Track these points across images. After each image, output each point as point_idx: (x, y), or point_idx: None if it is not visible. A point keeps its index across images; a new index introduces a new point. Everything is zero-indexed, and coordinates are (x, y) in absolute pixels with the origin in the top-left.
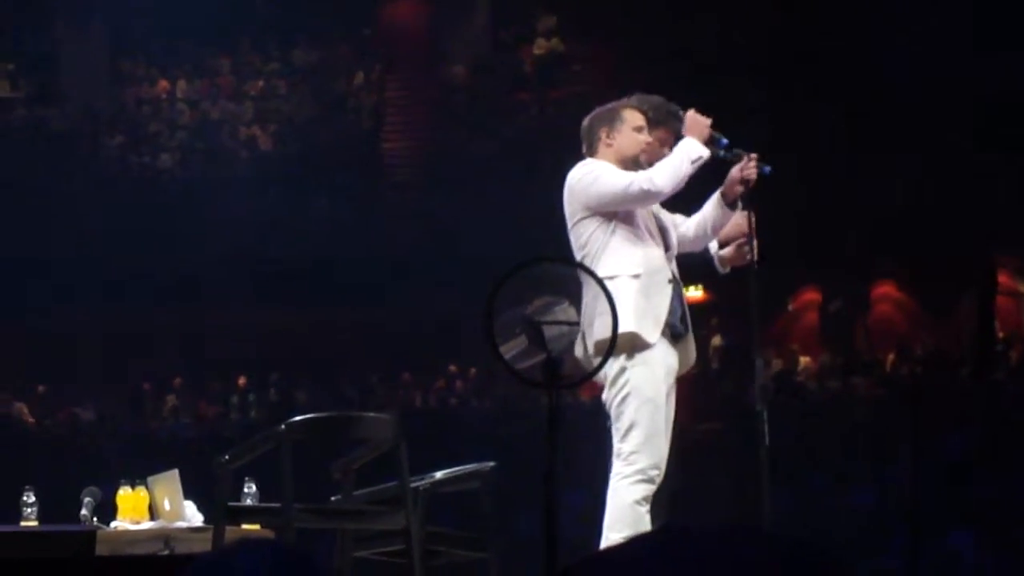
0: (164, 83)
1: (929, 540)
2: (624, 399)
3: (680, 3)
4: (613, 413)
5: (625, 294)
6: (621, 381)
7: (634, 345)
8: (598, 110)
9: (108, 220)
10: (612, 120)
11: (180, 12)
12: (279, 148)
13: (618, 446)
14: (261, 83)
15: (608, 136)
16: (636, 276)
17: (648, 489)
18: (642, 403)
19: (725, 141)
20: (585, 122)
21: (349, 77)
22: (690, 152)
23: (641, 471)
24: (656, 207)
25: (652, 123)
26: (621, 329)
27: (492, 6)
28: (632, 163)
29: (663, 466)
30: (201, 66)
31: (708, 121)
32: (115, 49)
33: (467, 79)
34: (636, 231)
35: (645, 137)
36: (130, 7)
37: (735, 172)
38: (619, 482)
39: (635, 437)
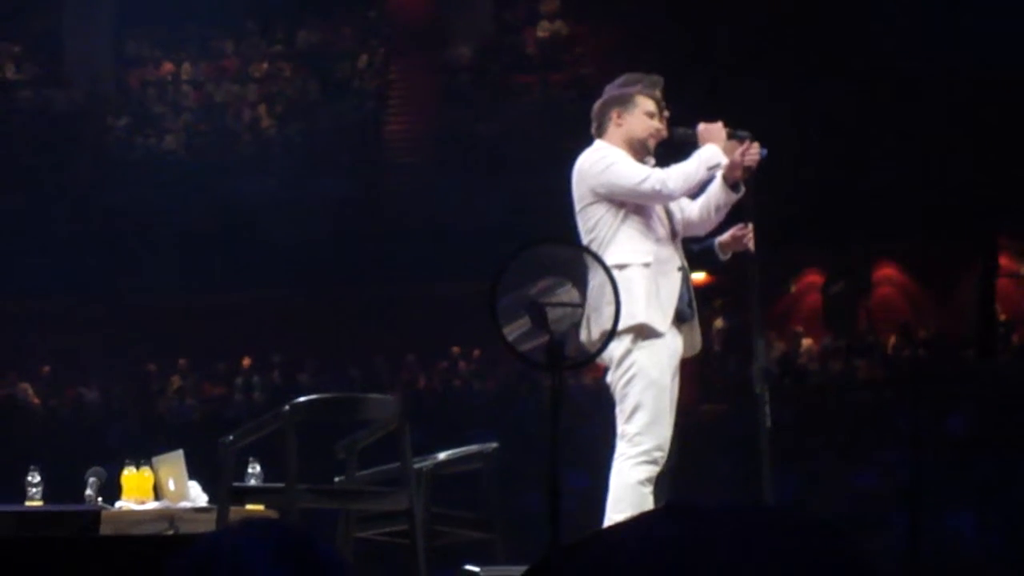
0: (169, 65)
1: (930, 521)
2: (630, 380)
3: None
4: (618, 394)
5: (636, 283)
6: (627, 363)
7: (642, 333)
8: (612, 91)
9: (113, 201)
10: (625, 102)
11: None
12: (283, 130)
13: (622, 427)
14: (265, 65)
15: (619, 117)
16: (647, 265)
17: (652, 470)
18: (647, 385)
19: (744, 134)
20: (597, 102)
21: (353, 59)
22: (709, 159)
23: (646, 452)
24: None
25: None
26: (632, 321)
27: None
28: (640, 146)
29: (667, 448)
30: (206, 48)
31: (720, 125)
32: (120, 31)
33: (471, 61)
34: (647, 219)
35: (656, 123)
36: None
37: (736, 156)
38: (623, 463)
39: (640, 418)
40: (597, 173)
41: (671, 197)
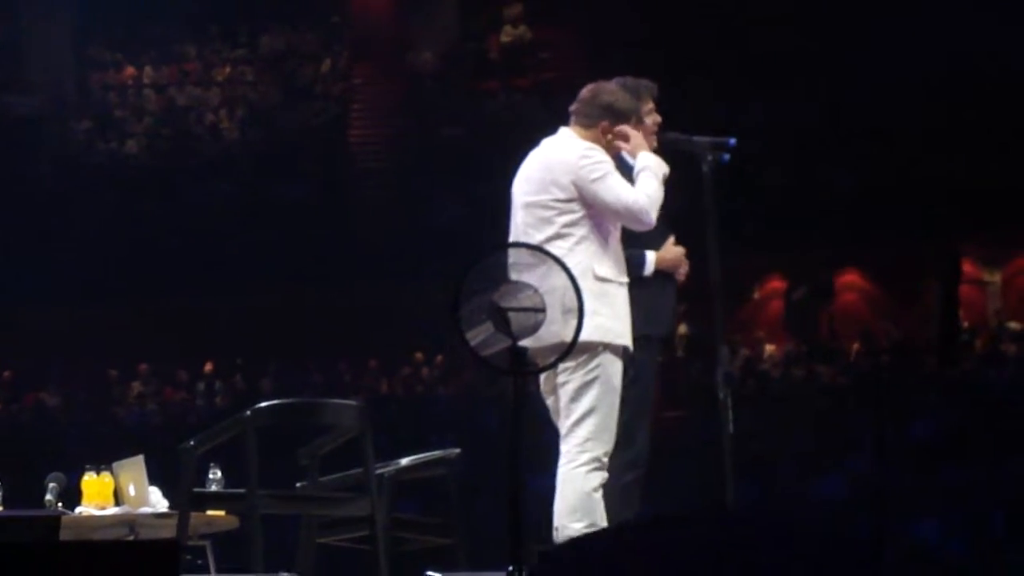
0: (130, 69)
1: (895, 528)
2: (590, 383)
3: None
4: (570, 394)
5: (620, 303)
6: (591, 365)
7: (615, 348)
8: (628, 96)
9: (75, 205)
10: (633, 120)
11: None
12: (245, 134)
13: (571, 429)
14: (228, 69)
15: (625, 135)
16: (623, 284)
17: (603, 477)
18: (607, 391)
19: (733, 142)
20: (617, 96)
21: (316, 64)
22: (662, 171)
23: (596, 459)
24: None
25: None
26: (619, 340)
27: None
28: (618, 162)
29: (611, 454)
30: (168, 52)
31: (637, 132)
32: (81, 35)
33: (434, 66)
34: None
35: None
36: None
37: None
38: (575, 470)
39: (591, 423)
40: (589, 180)
41: (649, 226)
